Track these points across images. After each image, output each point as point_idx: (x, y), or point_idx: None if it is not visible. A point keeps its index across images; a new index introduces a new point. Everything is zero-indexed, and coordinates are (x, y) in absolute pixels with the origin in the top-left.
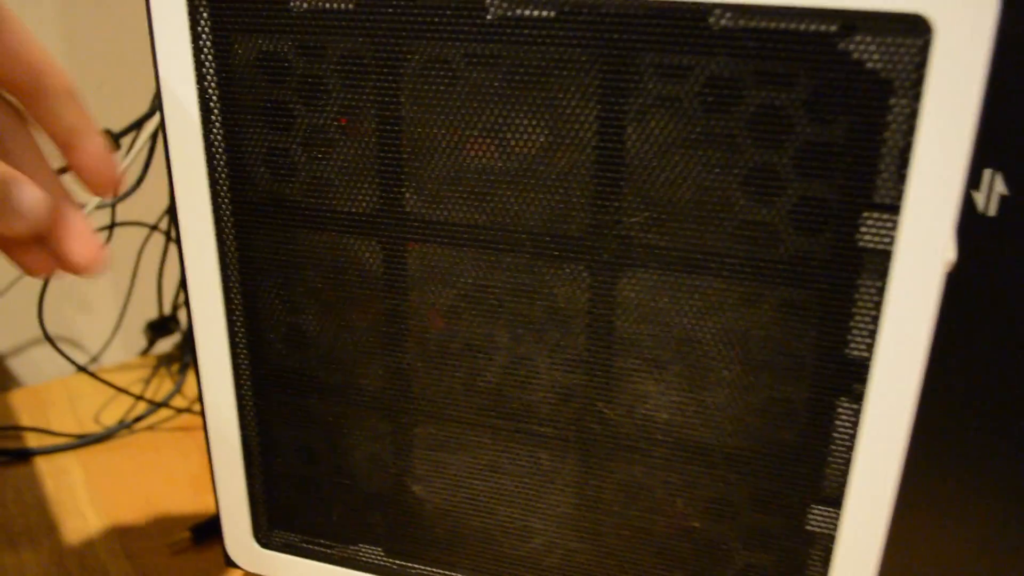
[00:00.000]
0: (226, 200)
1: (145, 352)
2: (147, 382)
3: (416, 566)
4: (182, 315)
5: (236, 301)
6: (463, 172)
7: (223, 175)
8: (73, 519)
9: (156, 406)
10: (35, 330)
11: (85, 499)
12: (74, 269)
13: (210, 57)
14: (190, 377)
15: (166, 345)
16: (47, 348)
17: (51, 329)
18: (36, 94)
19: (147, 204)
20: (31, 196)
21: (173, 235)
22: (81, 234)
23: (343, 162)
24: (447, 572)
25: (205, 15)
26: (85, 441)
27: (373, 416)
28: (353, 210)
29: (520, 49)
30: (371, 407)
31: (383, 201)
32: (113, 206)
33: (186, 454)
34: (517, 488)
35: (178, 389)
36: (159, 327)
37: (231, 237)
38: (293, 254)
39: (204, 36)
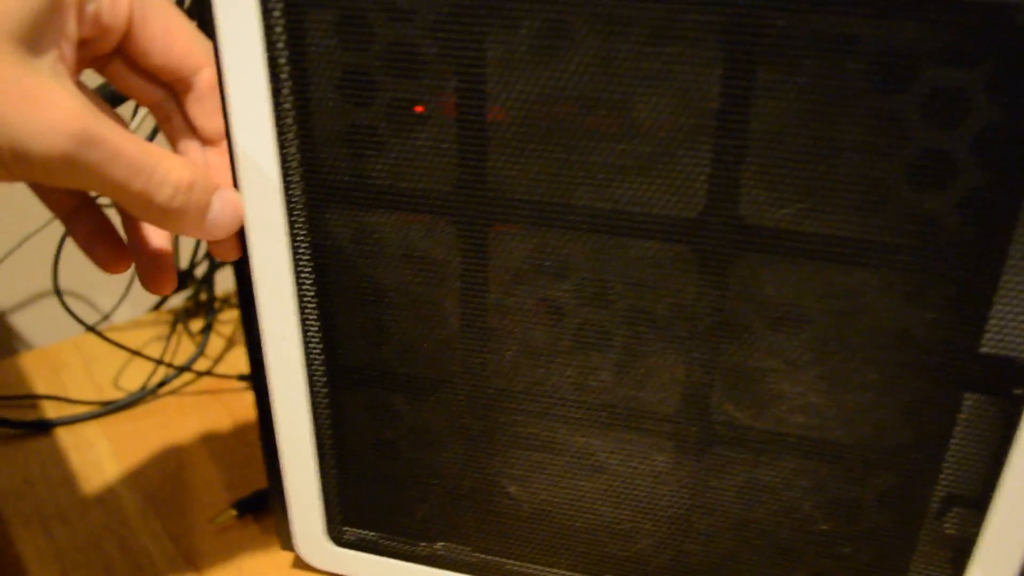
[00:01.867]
0: (296, 180)
1: (157, 307)
2: (166, 340)
3: (510, 562)
4: (198, 271)
5: (309, 294)
6: (583, 152)
7: (293, 150)
8: (105, 496)
9: (180, 370)
10: (41, 286)
11: (114, 473)
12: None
13: (280, 22)
14: (211, 338)
15: (176, 300)
16: (56, 306)
17: (61, 284)
18: (187, 85)
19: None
20: (232, 203)
21: None
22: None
23: (439, 140)
24: (544, 569)
25: None
26: (108, 409)
27: (466, 415)
28: (449, 191)
29: (655, 10)
30: (464, 406)
31: (483, 183)
32: None
33: (213, 419)
34: (627, 489)
35: (201, 351)
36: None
37: (302, 222)
38: (376, 242)
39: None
